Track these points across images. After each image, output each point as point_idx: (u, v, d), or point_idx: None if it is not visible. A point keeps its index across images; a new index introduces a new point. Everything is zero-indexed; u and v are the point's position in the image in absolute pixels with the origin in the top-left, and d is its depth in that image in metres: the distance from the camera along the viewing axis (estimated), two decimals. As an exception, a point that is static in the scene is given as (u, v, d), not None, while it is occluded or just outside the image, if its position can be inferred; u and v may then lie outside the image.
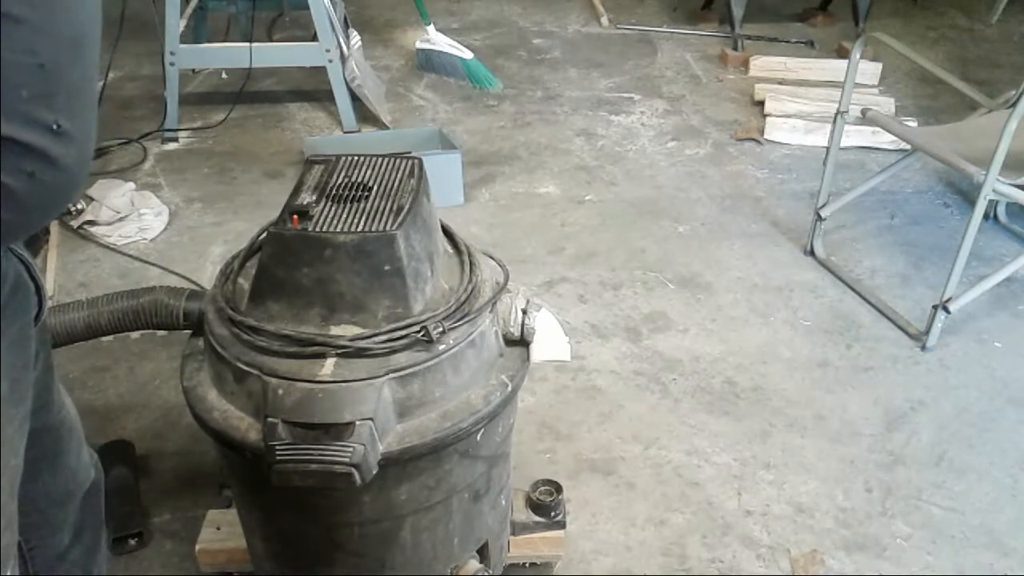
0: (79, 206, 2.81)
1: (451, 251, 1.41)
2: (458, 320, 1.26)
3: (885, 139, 3.26)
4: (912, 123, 3.35)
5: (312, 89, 3.77)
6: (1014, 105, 2.20)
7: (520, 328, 1.35)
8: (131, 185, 2.97)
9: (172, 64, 3.33)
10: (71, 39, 0.81)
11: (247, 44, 3.37)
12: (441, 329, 1.23)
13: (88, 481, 1.26)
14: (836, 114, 2.60)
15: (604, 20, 4.58)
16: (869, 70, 3.78)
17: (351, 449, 1.15)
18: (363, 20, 4.40)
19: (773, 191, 3.13)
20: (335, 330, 1.22)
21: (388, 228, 1.22)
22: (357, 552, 1.37)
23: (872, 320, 2.49)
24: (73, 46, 0.82)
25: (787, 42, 4.31)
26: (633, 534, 1.86)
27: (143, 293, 1.44)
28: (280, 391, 1.18)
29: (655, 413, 2.17)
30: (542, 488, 1.73)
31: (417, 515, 1.34)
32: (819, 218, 2.70)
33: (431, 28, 3.76)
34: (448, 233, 1.43)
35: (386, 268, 1.21)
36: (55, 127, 0.80)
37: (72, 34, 0.82)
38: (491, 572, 1.55)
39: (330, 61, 3.34)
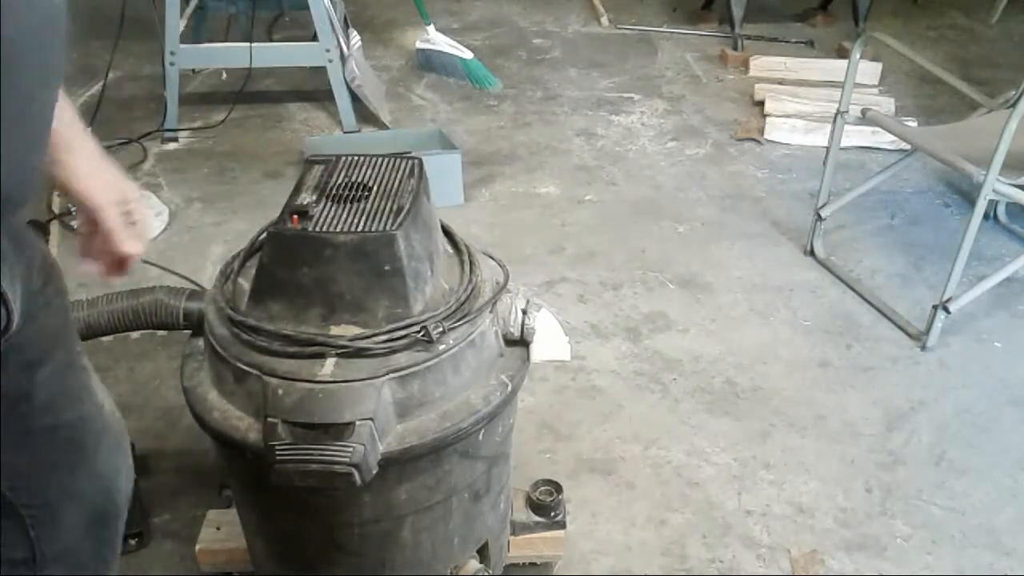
0: (79, 206, 2.81)
1: (451, 251, 1.41)
2: (458, 320, 1.26)
3: (885, 139, 3.26)
4: (912, 123, 3.34)
5: (312, 89, 3.77)
6: (1014, 105, 2.20)
7: (520, 328, 1.35)
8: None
9: (172, 64, 3.32)
10: None
11: (247, 44, 3.36)
12: (441, 329, 1.23)
13: (99, 505, 1.23)
14: (836, 114, 2.59)
15: (604, 20, 4.58)
16: (869, 70, 3.78)
17: (351, 449, 1.15)
18: (363, 20, 4.39)
19: (773, 191, 3.13)
20: (335, 330, 1.22)
21: (388, 228, 1.22)
22: (357, 552, 1.37)
23: (872, 320, 2.49)
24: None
25: (787, 42, 4.31)
26: (633, 534, 1.86)
27: (143, 293, 1.44)
28: (280, 391, 1.18)
29: (655, 413, 2.17)
30: (542, 488, 1.73)
31: (417, 515, 1.34)
32: (819, 218, 2.70)
33: (431, 28, 3.76)
34: (448, 233, 1.43)
35: (386, 268, 1.21)
36: None
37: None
38: (491, 572, 1.55)
39: (330, 61, 3.34)
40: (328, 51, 3.32)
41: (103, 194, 1.09)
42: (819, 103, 3.51)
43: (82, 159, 1.08)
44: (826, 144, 2.74)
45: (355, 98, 3.46)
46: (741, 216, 2.99)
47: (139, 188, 1.18)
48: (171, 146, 3.40)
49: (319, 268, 1.21)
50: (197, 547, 1.64)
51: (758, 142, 3.44)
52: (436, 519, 1.37)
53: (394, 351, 1.21)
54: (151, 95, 3.67)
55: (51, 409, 1.06)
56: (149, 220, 1.18)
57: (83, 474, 1.17)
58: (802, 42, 4.31)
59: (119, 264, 1.16)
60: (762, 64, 3.99)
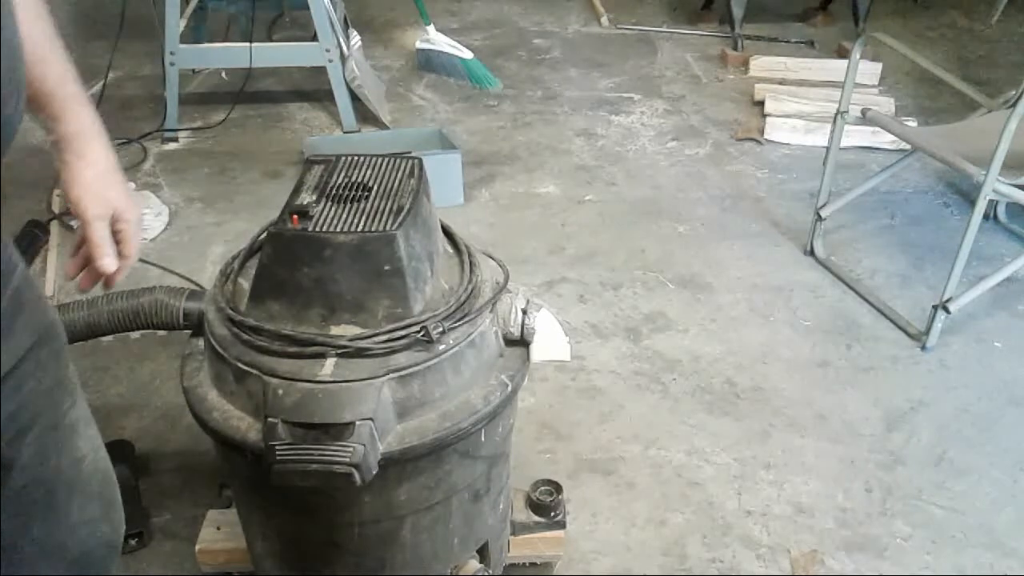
0: (79, 206, 2.81)
1: (451, 251, 1.41)
2: (458, 320, 1.26)
3: (885, 139, 3.26)
4: (912, 123, 3.35)
5: (312, 89, 3.77)
6: (1014, 105, 2.20)
7: (520, 328, 1.35)
8: (131, 185, 2.95)
9: (172, 64, 3.33)
10: None
11: (247, 44, 3.36)
12: (441, 329, 1.23)
13: (76, 557, 1.17)
14: (836, 114, 2.59)
15: (604, 20, 4.58)
16: (869, 70, 3.78)
17: (351, 449, 1.14)
18: (363, 20, 4.40)
19: (773, 191, 3.13)
20: (335, 330, 1.22)
21: (388, 228, 1.22)
22: (357, 552, 1.37)
23: (872, 320, 2.49)
24: None
25: (787, 42, 4.31)
26: (633, 534, 1.86)
27: (143, 293, 1.44)
28: (280, 391, 1.18)
29: (655, 413, 2.17)
30: (542, 488, 1.73)
31: (417, 515, 1.34)
32: (819, 218, 2.70)
33: (431, 28, 3.76)
34: (448, 233, 1.43)
35: (386, 268, 1.21)
36: None
37: None
38: (491, 572, 1.55)
39: (330, 61, 3.34)
40: (328, 51, 3.32)
41: (93, 207, 1.10)
42: (819, 103, 3.51)
43: (86, 168, 1.09)
44: (826, 144, 2.74)
45: (355, 98, 3.46)
46: (741, 216, 2.99)
47: (138, 202, 1.16)
48: (171, 146, 3.40)
49: (319, 268, 1.21)
50: (197, 547, 1.64)
51: (758, 142, 3.44)
52: (436, 519, 1.37)
53: (394, 351, 1.21)
54: (151, 95, 3.68)
55: (26, 470, 1.02)
56: (138, 241, 1.17)
57: (57, 527, 1.13)
58: (802, 42, 4.31)
59: (97, 277, 1.17)
60: (762, 64, 3.99)
